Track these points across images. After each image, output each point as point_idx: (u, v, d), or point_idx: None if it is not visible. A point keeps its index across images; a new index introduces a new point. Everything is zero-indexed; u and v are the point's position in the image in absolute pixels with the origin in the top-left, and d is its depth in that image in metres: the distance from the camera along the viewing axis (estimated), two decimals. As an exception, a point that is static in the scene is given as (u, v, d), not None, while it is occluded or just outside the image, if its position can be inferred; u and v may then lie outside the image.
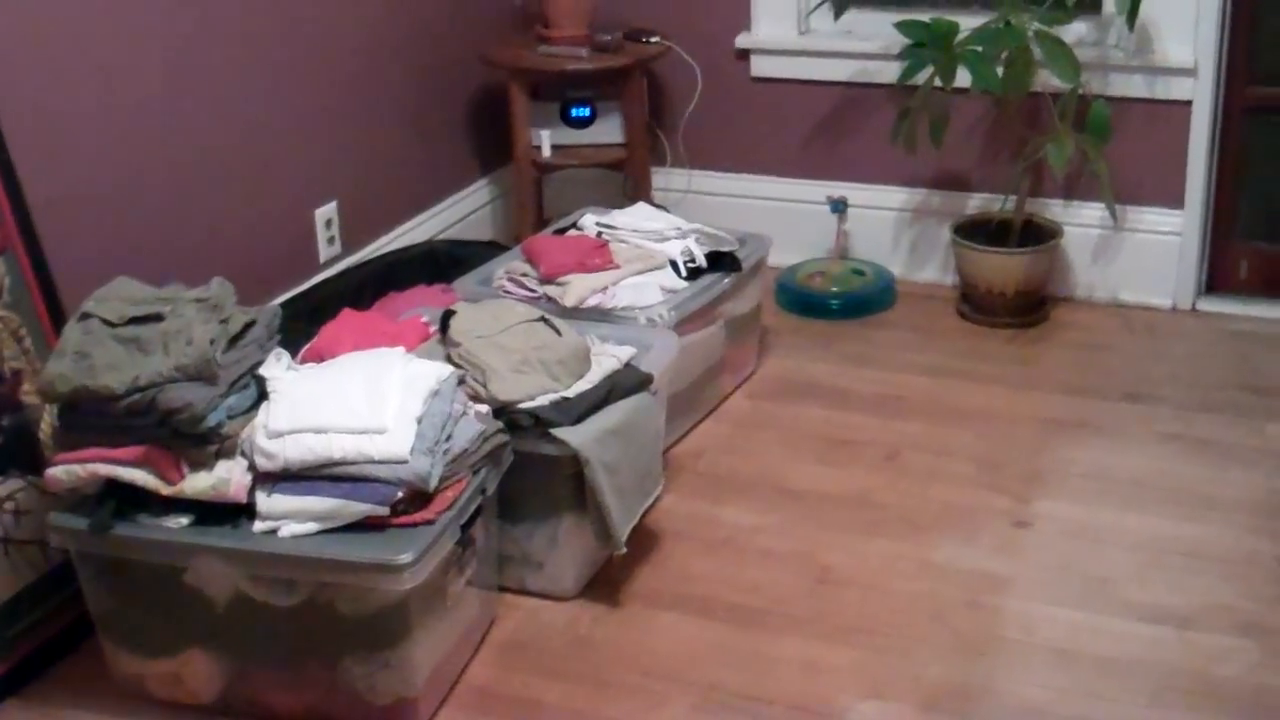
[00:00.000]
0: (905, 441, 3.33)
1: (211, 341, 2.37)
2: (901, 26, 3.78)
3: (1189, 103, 3.85)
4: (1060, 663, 2.55)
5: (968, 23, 3.74)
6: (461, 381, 2.64)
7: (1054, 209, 4.04)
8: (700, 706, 2.47)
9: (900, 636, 2.64)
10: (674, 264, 3.36)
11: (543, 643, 2.66)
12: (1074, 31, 3.88)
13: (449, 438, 2.47)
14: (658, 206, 3.78)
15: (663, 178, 4.42)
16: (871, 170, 4.22)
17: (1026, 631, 2.64)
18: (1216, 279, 4.03)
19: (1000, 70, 3.68)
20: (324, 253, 3.68)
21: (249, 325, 2.50)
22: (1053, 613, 2.69)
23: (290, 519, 2.37)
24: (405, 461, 2.37)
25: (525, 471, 2.66)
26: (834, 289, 4.09)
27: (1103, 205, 3.86)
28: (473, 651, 2.62)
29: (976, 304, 3.97)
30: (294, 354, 2.68)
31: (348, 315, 2.91)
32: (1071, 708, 2.43)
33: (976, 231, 3.97)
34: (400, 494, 2.37)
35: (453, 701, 2.51)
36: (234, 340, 2.45)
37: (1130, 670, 2.52)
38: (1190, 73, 3.81)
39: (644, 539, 2.93)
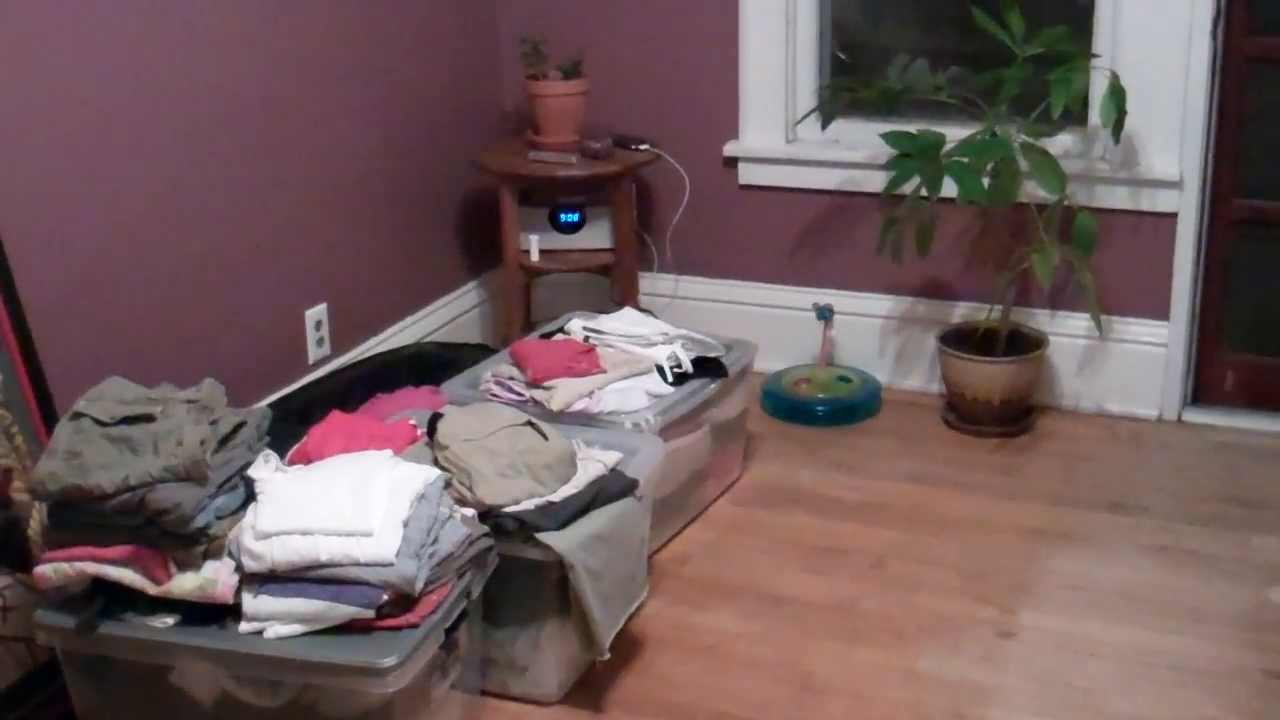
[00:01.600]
0: (890, 550, 3.34)
1: (201, 443, 2.38)
2: (888, 137, 3.84)
3: (1174, 215, 3.91)
4: (1045, 775, 2.55)
5: (954, 134, 3.80)
6: (448, 485, 2.65)
7: (1040, 319, 4.08)
8: (683, 816, 2.46)
9: (885, 746, 2.63)
10: (660, 369, 3.38)
11: (526, 749, 2.65)
12: (1060, 143, 3.95)
13: (435, 541, 2.48)
14: (645, 311, 3.82)
15: (650, 283, 4.46)
16: (858, 278, 4.26)
17: (1011, 743, 2.64)
18: (1202, 390, 4.06)
19: (986, 181, 3.74)
20: (313, 353, 3.70)
21: (239, 426, 2.51)
22: (1037, 724, 2.69)
23: (276, 620, 2.37)
24: (391, 564, 2.37)
25: (510, 575, 2.66)
26: (820, 395, 4.11)
27: (1088, 315, 3.90)
28: (455, 757, 2.61)
29: (962, 412, 4.00)
30: (282, 454, 2.69)
31: (336, 417, 2.92)
32: (1056, 821, 2.43)
33: (962, 340, 4.00)
34: (385, 597, 2.37)
35: (434, 808, 2.49)
36: (224, 441, 2.47)
37: (1115, 783, 2.52)
38: (1176, 185, 3.87)
39: (627, 645, 2.92)
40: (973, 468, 3.76)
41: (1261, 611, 3.05)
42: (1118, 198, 3.95)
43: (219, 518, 2.39)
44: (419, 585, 2.39)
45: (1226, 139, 3.88)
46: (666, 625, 3.04)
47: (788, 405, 4.10)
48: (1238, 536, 3.36)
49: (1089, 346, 4.05)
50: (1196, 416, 4.01)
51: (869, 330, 4.29)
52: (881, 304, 4.27)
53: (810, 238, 4.31)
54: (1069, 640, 2.95)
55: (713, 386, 3.44)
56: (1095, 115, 3.86)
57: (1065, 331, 4.06)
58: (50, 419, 2.67)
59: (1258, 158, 3.89)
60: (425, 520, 2.48)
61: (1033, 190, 3.80)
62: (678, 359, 3.43)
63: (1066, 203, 3.79)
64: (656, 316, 3.76)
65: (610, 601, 2.74)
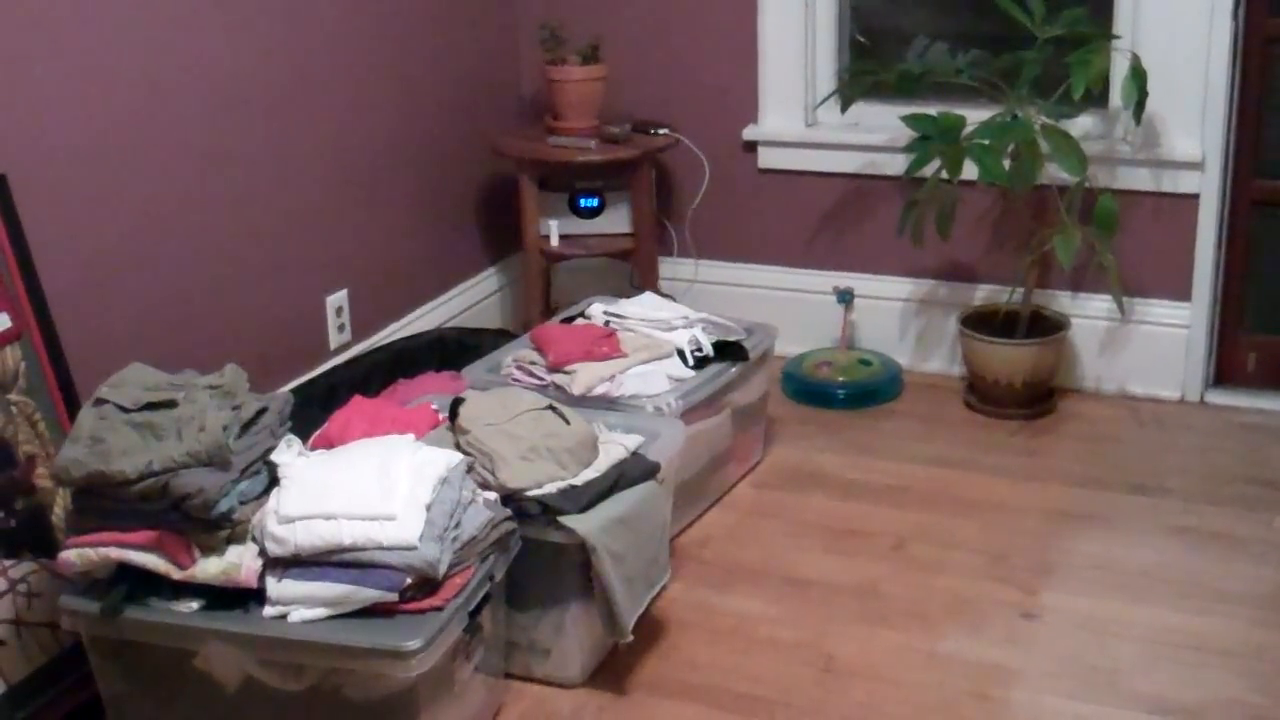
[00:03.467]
0: (912, 532, 3.33)
1: (224, 428, 2.40)
2: (908, 120, 3.83)
3: (1196, 196, 3.89)
4: (1068, 755, 2.55)
5: (975, 116, 3.78)
6: (470, 469, 2.66)
7: (1062, 301, 4.07)
8: (707, 797, 2.47)
9: (908, 728, 2.64)
10: (681, 353, 3.38)
11: (549, 731, 2.66)
12: (1081, 125, 3.94)
13: (457, 525, 2.49)
14: (665, 296, 3.82)
15: (670, 267, 4.46)
16: (878, 261, 4.26)
17: (1034, 723, 2.64)
18: (1224, 371, 4.05)
19: (1007, 163, 3.73)
20: (334, 340, 3.71)
21: (261, 411, 2.52)
22: (1060, 705, 2.68)
23: (300, 604, 2.38)
24: (414, 548, 2.38)
25: (532, 559, 2.67)
26: (841, 379, 4.11)
27: (1110, 297, 3.89)
28: (479, 739, 2.62)
29: (984, 395, 3.99)
30: (304, 440, 2.70)
31: (358, 402, 2.93)
32: (1080, 801, 2.43)
33: (984, 323, 3.99)
34: (409, 580, 2.38)
35: (458, 790, 2.51)
36: (246, 426, 2.48)
37: (1138, 763, 2.52)
38: (1198, 166, 3.86)
39: (650, 627, 2.93)
40: (994, 450, 3.75)
41: (1285, 592, 3.05)
42: (1139, 179, 3.93)
43: (242, 503, 2.40)
44: (442, 569, 2.40)
45: (1248, 120, 3.86)
46: (689, 608, 3.04)
47: (809, 389, 4.10)
48: (1260, 517, 3.35)
49: (1111, 328, 4.04)
50: (1219, 398, 4.00)
51: (890, 313, 4.28)
52: (902, 287, 4.26)
53: (830, 221, 4.31)
54: (1092, 621, 2.95)
55: (733, 370, 3.44)
56: (1116, 97, 3.84)
57: (1087, 313, 4.05)
58: (73, 406, 2.69)
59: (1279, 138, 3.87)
60: (448, 504, 2.49)
61: (1054, 172, 3.79)
62: (698, 343, 3.43)
63: (1087, 184, 3.78)
64: (677, 301, 3.76)
65: (633, 584, 2.75)
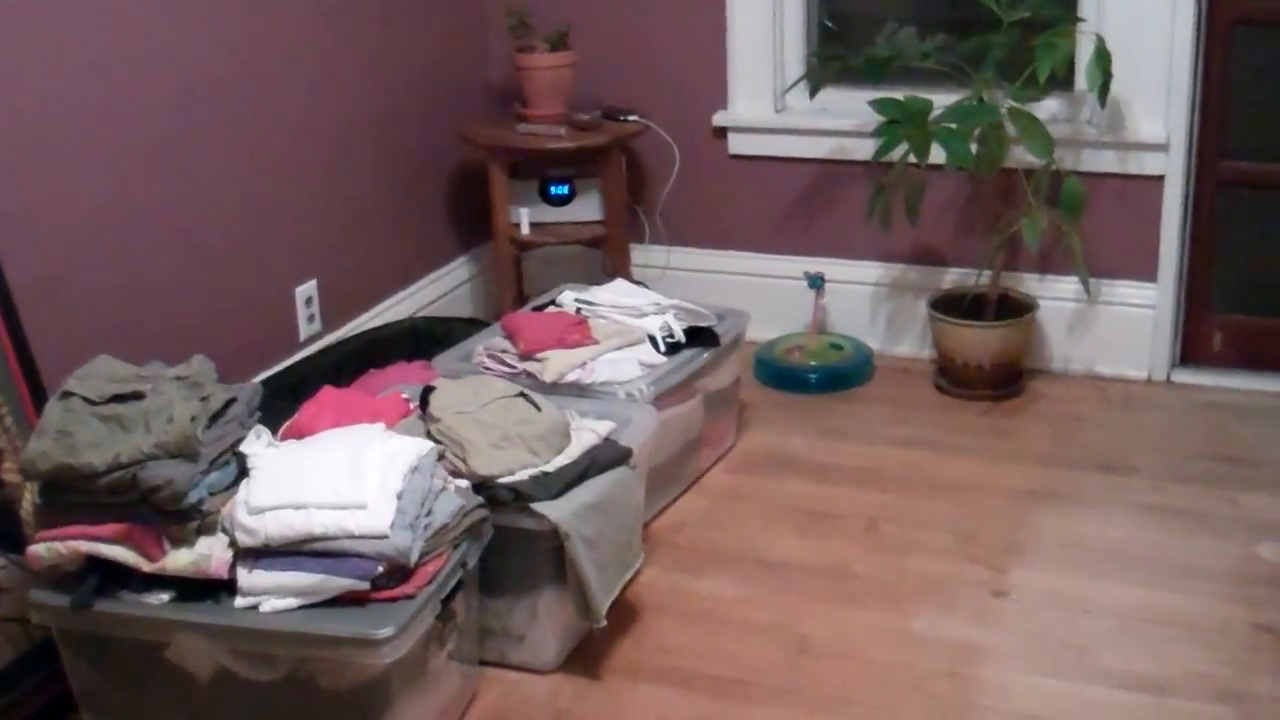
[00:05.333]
0: (883, 513, 3.36)
1: (192, 419, 2.39)
2: (876, 104, 3.84)
3: (1161, 177, 3.92)
4: (1038, 731, 2.57)
5: (942, 100, 3.80)
6: (441, 457, 2.67)
7: (1029, 283, 4.10)
8: (680, 779, 2.48)
9: (879, 706, 2.65)
10: (653, 339, 3.39)
11: (523, 716, 2.67)
12: (1047, 108, 3.95)
13: (429, 513, 2.49)
14: (636, 283, 3.83)
15: (641, 254, 4.47)
16: (848, 246, 4.27)
17: (1004, 700, 2.65)
18: (1190, 351, 4.08)
19: (974, 147, 3.75)
20: (304, 330, 3.71)
21: (230, 402, 2.52)
22: (1030, 681, 2.70)
23: (271, 594, 2.38)
24: (386, 537, 2.38)
25: (505, 546, 2.68)
26: (812, 363, 4.13)
27: (1077, 279, 3.91)
28: (454, 726, 2.63)
29: (953, 377, 4.01)
30: (274, 432, 2.70)
31: (328, 392, 2.93)
32: (1049, 776, 2.45)
33: (953, 306, 4.02)
34: (380, 569, 2.38)
35: (433, 776, 2.52)
36: (215, 417, 2.48)
37: (1107, 738, 2.54)
38: (1162, 148, 3.88)
39: (624, 612, 2.94)
40: (964, 431, 3.77)
41: (1250, 567, 3.07)
42: (1105, 161, 3.96)
43: (211, 494, 2.40)
44: (414, 556, 2.41)
45: (1212, 101, 3.89)
46: (662, 592, 3.06)
47: (780, 373, 4.11)
48: (1226, 494, 3.38)
49: (1078, 309, 4.06)
50: (1185, 377, 4.03)
51: (860, 298, 4.30)
52: (872, 271, 4.28)
53: (801, 206, 4.32)
54: (1060, 598, 2.98)
55: (705, 356, 3.45)
56: (1081, 80, 3.86)
57: (1054, 295, 4.07)
58: (40, 399, 2.68)
59: (1243, 120, 3.90)
60: (419, 492, 2.49)
61: (1020, 155, 3.81)
62: (670, 329, 3.44)
63: (1054, 167, 3.80)
64: (649, 288, 3.77)
65: (606, 569, 2.76)
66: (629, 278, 4.02)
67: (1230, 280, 4.03)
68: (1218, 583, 3.02)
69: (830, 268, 4.26)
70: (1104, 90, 3.74)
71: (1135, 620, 2.89)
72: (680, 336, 3.44)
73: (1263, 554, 3.12)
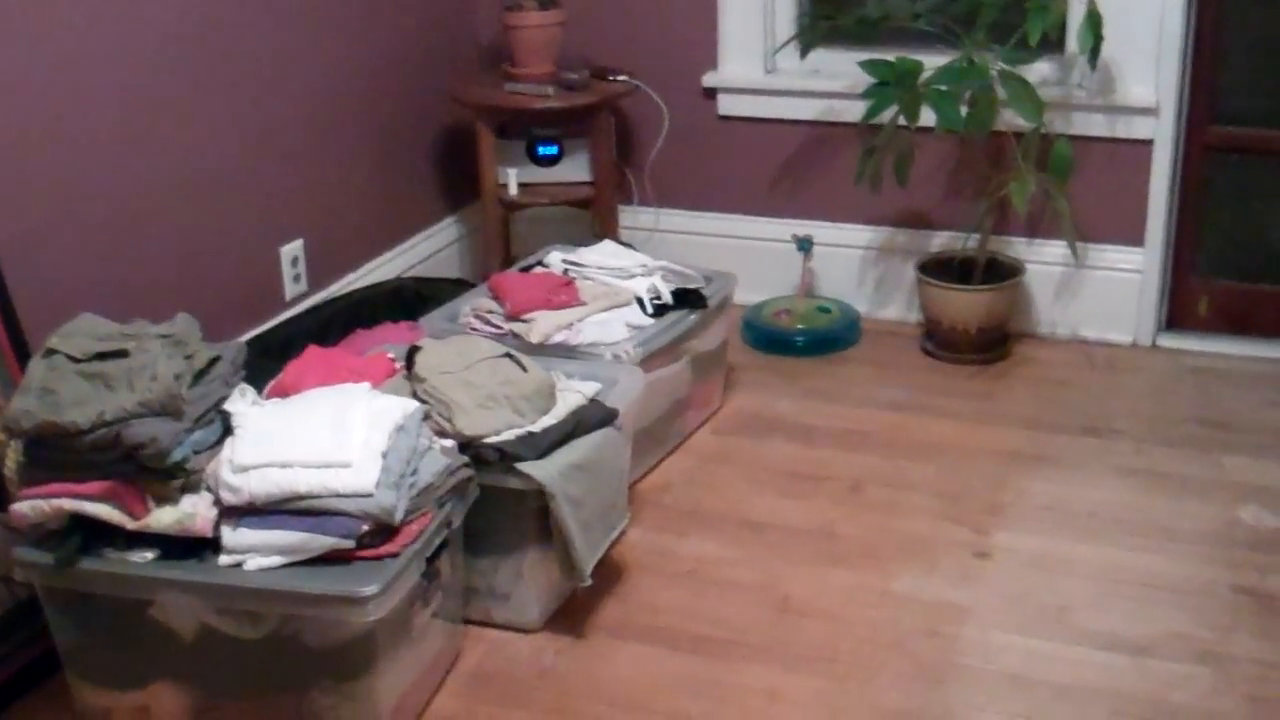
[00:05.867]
0: (868, 475, 3.37)
1: (177, 377, 2.40)
2: (866, 65, 3.83)
3: (1150, 142, 3.92)
4: (1017, 690, 2.58)
5: (932, 62, 3.79)
6: (427, 416, 2.68)
7: (1017, 247, 4.10)
8: (663, 736, 2.50)
9: (861, 665, 2.67)
10: (640, 301, 3.40)
11: (508, 674, 2.68)
12: (1037, 71, 3.95)
13: (414, 472, 2.50)
14: (624, 245, 3.82)
15: (630, 216, 4.46)
16: (837, 209, 4.27)
17: (985, 659, 2.67)
18: (1177, 315, 4.09)
19: (964, 109, 3.74)
20: (290, 290, 3.70)
21: (214, 361, 2.52)
22: (1011, 641, 2.72)
23: (255, 552, 2.39)
24: (370, 495, 2.39)
25: (490, 505, 2.69)
26: (800, 326, 4.13)
27: (1065, 243, 3.92)
28: (438, 683, 2.64)
29: (940, 340, 4.02)
30: (260, 391, 2.70)
31: (313, 352, 2.93)
32: (1028, 735, 2.47)
33: (940, 269, 4.02)
34: (365, 527, 2.39)
35: (418, 733, 2.54)
36: (199, 376, 2.48)
37: (1086, 697, 2.56)
38: (1152, 112, 3.88)
39: (609, 571, 2.96)
40: (950, 394, 3.79)
41: (1232, 530, 3.09)
42: (1094, 125, 3.95)
43: (196, 452, 2.40)
44: (399, 515, 2.42)
45: (1203, 65, 3.88)
46: (647, 552, 3.07)
47: (768, 336, 4.12)
48: (1210, 457, 3.40)
49: (1065, 273, 4.07)
50: (1171, 341, 4.04)
51: (848, 261, 4.30)
52: (861, 235, 4.28)
53: (790, 169, 4.31)
54: (1043, 560, 2.99)
55: (692, 318, 3.46)
56: (1072, 42, 3.86)
57: (1042, 259, 4.08)
58: (23, 356, 2.68)
59: (1233, 84, 3.90)
60: (404, 451, 2.50)
61: (1010, 118, 3.80)
62: (657, 291, 3.44)
63: (1043, 130, 3.79)
64: (637, 249, 3.77)
65: (591, 529, 2.77)
66: (617, 239, 4.01)
67: (1217, 245, 4.04)
68: (1199, 545, 3.03)
69: (819, 230, 4.26)
70: (1095, 53, 3.73)
71: (1116, 581, 2.91)
72: (668, 298, 3.44)
73: (1244, 517, 3.14)
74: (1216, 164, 3.96)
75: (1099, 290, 4.05)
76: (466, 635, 2.78)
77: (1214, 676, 2.61)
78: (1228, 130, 3.93)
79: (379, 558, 2.39)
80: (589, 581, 2.75)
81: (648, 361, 3.23)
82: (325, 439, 2.44)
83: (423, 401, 2.73)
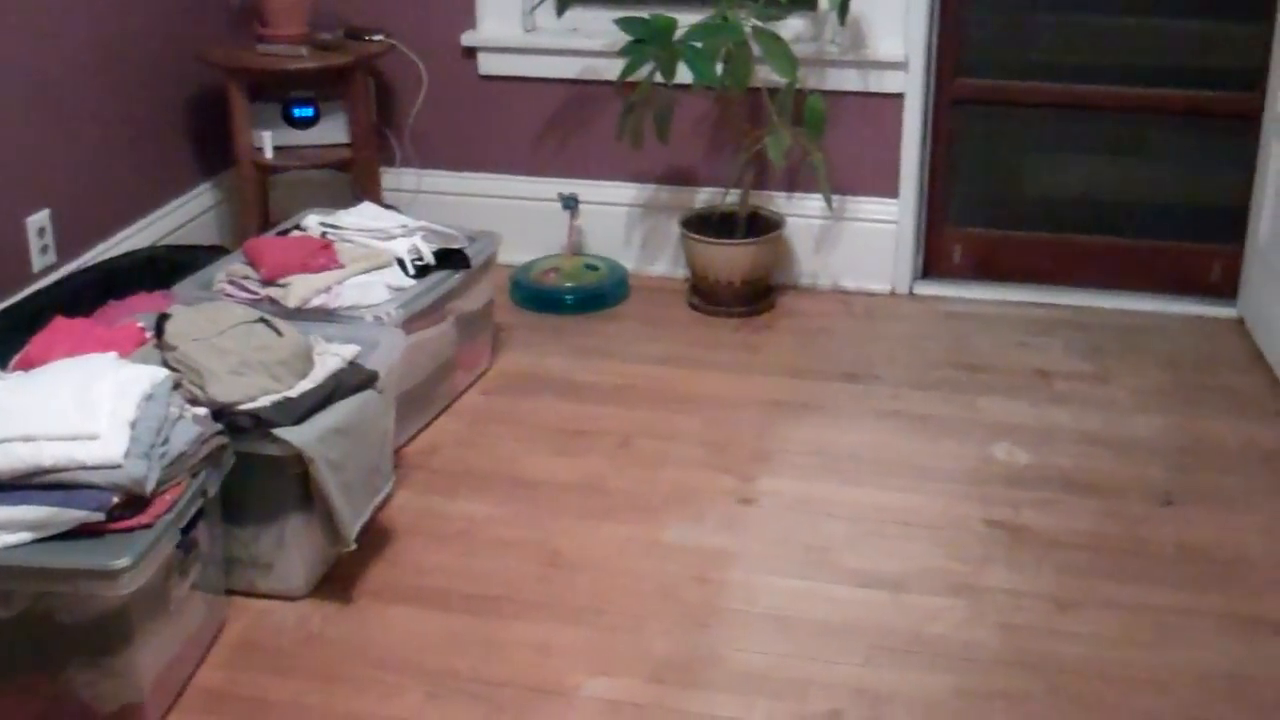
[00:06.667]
0: (637, 429, 3.40)
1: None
2: (621, 23, 3.85)
3: (901, 95, 4.02)
4: (781, 629, 2.64)
5: (687, 19, 3.83)
6: (178, 385, 2.61)
7: (778, 201, 4.17)
8: (434, 694, 2.48)
9: (630, 614, 2.70)
10: (401, 262, 3.36)
11: (274, 643, 2.64)
12: (791, 28, 4.02)
13: (165, 441, 2.43)
14: (387, 206, 3.77)
15: (393, 178, 4.41)
16: (602, 167, 4.28)
17: (749, 602, 2.73)
18: (932, 264, 4.22)
19: (720, 66, 3.78)
20: (38, 262, 3.56)
21: (-52, 333, 2.41)
22: (774, 582, 2.79)
23: (3, 530, 2.30)
24: (119, 466, 2.32)
25: (249, 473, 2.63)
26: (568, 284, 4.14)
27: (822, 196, 4.00)
28: (202, 655, 2.58)
29: (706, 295, 4.07)
30: (4, 365, 2.60)
31: (60, 323, 2.83)
32: (790, 670, 2.53)
33: (704, 224, 4.07)
34: (116, 499, 2.32)
35: (182, 705, 2.47)
36: (-67, 349, 2.37)
37: (846, 632, 2.63)
38: (901, 66, 3.98)
39: (377, 535, 2.93)
40: (716, 347, 3.84)
41: (985, 467, 3.21)
42: (847, 80, 4.04)
43: (-69, 427, 2.31)
44: (150, 486, 2.35)
45: (949, 20, 4.01)
46: (416, 515, 3.05)
47: (537, 295, 4.12)
48: (964, 399, 3.52)
49: (824, 226, 4.16)
50: (927, 289, 4.17)
51: (615, 218, 4.32)
52: (626, 192, 4.31)
53: (553, 127, 4.31)
54: (805, 503, 3.07)
55: (456, 278, 3.43)
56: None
57: (802, 212, 4.16)
58: None
59: (979, 38, 4.03)
60: (154, 420, 2.43)
61: (766, 74, 3.86)
62: (419, 251, 3.41)
63: (798, 86, 3.86)
64: (400, 211, 3.72)
65: (354, 493, 2.74)
66: (379, 201, 3.97)
67: (969, 195, 4.18)
68: (954, 483, 3.14)
69: (584, 189, 4.27)
70: (844, 9, 3.82)
71: (875, 521, 3.00)
72: (429, 259, 3.41)
73: (996, 454, 3.26)
74: (965, 116, 4.10)
75: (857, 241, 4.15)
76: (231, 606, 2.72)
77: (968, 607, 2.71)
78: (975, 82, 4.06)
79: (131, 530, 2.33)
80: (354, 546, 2.73)
81: (410, 323, 3.20)
82: (70, 411, 2.36)
83: (174, 370, 2.66)
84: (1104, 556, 2.87)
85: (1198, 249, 4.06)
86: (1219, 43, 3.95)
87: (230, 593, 2.73)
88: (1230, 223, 3.98)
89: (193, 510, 2.46)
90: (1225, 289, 4.02)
